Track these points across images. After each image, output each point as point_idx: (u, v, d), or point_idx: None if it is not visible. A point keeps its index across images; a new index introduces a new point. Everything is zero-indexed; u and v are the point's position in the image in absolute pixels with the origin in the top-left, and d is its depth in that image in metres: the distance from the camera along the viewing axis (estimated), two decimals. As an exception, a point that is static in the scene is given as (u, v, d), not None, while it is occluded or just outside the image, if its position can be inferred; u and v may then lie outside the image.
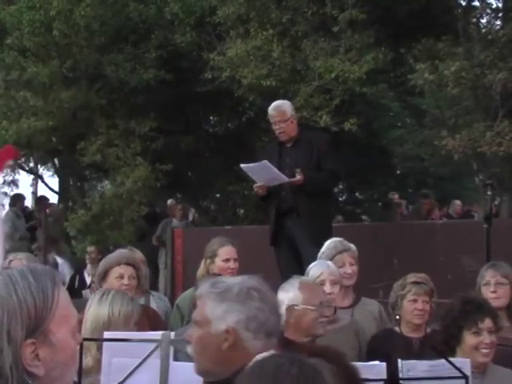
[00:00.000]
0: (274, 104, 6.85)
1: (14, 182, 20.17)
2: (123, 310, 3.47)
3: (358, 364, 3.71)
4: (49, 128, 12.05)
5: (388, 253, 8.13)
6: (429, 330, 4.51)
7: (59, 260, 11.05)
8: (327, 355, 2.32)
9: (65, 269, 10.76)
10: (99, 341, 3.29)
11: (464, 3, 11.45)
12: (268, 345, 2.49)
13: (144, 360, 3.02)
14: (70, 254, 12.42)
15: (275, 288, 4.24)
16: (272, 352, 2.38)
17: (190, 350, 2.64)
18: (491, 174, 10.17)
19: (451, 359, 3.31)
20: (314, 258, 5.11)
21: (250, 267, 5.65)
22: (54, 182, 16.58)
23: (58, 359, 1.82)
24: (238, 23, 11.07)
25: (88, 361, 3.34)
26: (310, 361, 1.56)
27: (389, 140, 15.22)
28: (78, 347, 1.97)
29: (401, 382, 3.43)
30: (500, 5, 11.48)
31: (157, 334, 3.19)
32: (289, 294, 4.05)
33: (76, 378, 3.10)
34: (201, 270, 5.52)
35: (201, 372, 2.57)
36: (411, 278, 4.50)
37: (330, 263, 4.83)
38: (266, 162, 6.43)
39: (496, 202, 11.31)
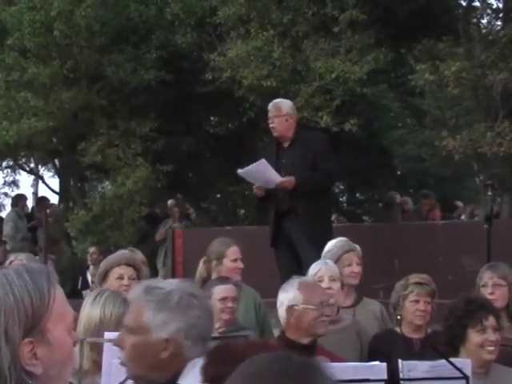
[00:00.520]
0: (273, 100, 6.92)
1: (15, 183, 20.20)
2: (115, 312, 3.46)
3: (359, 364, 3.72)
4: (49, 128, 12.05)
5: (389, 253, 8.15)
6: (429, 330, 4.52)
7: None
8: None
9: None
10: (100, 342, 3.30)
11: (464, 3, 11.46)
12: (204, 349, 2.51)
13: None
14: (71, 255, 12.43)
15: (276, 288, 4.26)
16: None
17: (120, 355, 2.57)
18: (492, 174, 10.16)
19: (452, 360, 3.31)
20: (313, 260, 5.11)
21: (250, 268, 5.67)
22: (55, 183, 16.62)
23: (55, 357, 1.82)
24: (239, 24, 11.07)
25: (85, 363, 3.33)
26: (299, 358, 1.55)
27: (389, 140, 15.21)
28: (76, 346, 1.97)
29: (401, 382, 3.43)
30: (500, 5, 11.48)
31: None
32: (288, 295, 4.07)
33: (75, 382, 3.11)
34: (200, 271, 5.53)
35: (134, 377, 2.53)
36: (414, 278, 4.50)
37: (328, 261, 4.85)
38: (263, 160, 6.43)
39: (496, 203, 11.32)
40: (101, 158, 12.00)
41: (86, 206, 12.48)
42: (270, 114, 6.74)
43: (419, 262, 7.10)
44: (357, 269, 5.08)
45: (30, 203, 15.92)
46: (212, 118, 15.47)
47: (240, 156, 11.94)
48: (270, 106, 6.83)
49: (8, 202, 18.71)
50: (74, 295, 9.22)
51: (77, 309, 3.76)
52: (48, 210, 13.13)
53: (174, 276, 9.81)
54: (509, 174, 10.56)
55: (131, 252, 5.32)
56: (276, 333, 4.68)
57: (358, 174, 14.81)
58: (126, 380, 2.61)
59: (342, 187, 17.96)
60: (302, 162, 6.58)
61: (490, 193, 6.87)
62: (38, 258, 8.63)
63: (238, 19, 11.04)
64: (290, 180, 6.41)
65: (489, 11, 11.27)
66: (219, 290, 4.69)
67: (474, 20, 11.17)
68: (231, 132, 14.60)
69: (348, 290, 4.97)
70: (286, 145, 6.73)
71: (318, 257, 5.28)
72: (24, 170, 17.51)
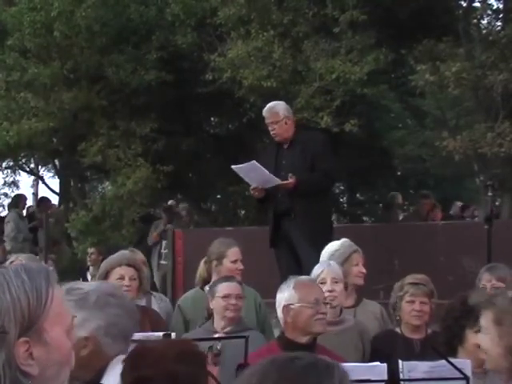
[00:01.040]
0: (267, 105, 6.87)
1: (15, 183, 20.17)
2: None
3: (359, 365, 3.72)
4: (49, 129, 12.05)
5: (389, 254, 8.15)
6: (429, 331, 4.52)
7: None
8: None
9: None
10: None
11: (465, 4, 11.45)
12: (126, 347, 2.57)
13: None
14: (71, 255, 12.43)
15: (276, 289, 4.26)
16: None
17: None
18: (492, 175, 10.16)
19: (452, 360, 3.31)
20: (313, 261, 5.11)
21: (250, 268, 5.67)
22: (55, 183, 16.62)
23: (52, 358, 1.81)
24: (239, 24, 11.07)
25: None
26: (299, 363, 1.54)
27: (390, 141, 15.23)
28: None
29: (401, 382, 3.43)
30: (501, 6, 11.47)
31: (158, 335, 3.19)
32: (284, 295, 4.10)
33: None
34: (201, 272, 5.53)
35: None
36: (409, 279, 4.52)
37: (331, 262, 4.84)
38: (254, 162, 6.43)
39: (497, 203, 11.32)
40: (101, 158, 12.00)
41: (87, 206, 12.48)
42: (268, 121, 6.72)
43: (419, 263, 7.10)
44: (363, 269, 5.11)
45: (30, 204, 15.95)
46: (212, 119, 15.47)
47: (240, 156, 11.92)
48: (266, 112, 6.78)
49: (8, 203, 18.69)
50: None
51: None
52: (49, 211, 13.15)
53: (174, 276, 9.81)
54: (509, 175, 10.55)
55: (132, 252, 5.33)
56: (277, 333, 4.68)
57: (358, 175, 14.81)
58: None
59: (342, 188, 17.96)
60: (302, 163, 6.58)
61: (490, 193, 6.87)
62: (38, 258, 8.62)
63: (239, 20, 11.04)
64: (292, 182, 6.41)
65: (489, 12, 11.26)
66: (222, 288, 4.69)
67: (475, 21, 11.16)
68: (231, 132, 14.60)
69: (350, 290, 4.97)
70: (285, 146, 6.73)
71: (317, 257, 5.28)
72: (24, 170, 17.51)
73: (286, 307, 4.06)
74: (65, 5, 11.38)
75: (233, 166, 6.63)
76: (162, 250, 11.36)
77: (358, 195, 18.29)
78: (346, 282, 4.77)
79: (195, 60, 12.10)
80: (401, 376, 3.40)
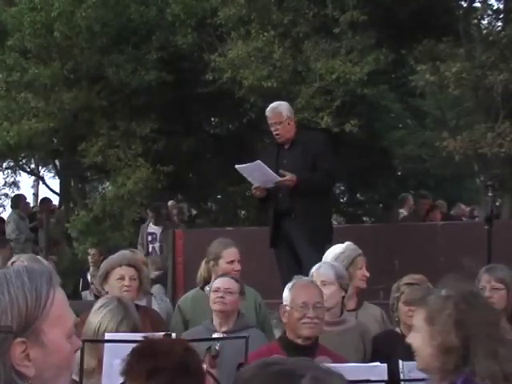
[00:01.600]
0: (270, 106, 6.85)
1: (15, 184, 20.14)
2: (110, 327, 3.51)
3: (360, 365, 3.73)
4: (50, 129, 12.05)
5: (389, 254, 8.13)
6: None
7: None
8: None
9: None
10: (100, 342, 3.30)
11: (465, 4, 11.46)
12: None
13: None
14: (72, 256, 12.42)
15: (276, 289, 4.27)
16: None
17: None
18: (492, 175, 10.16)
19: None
20: (313, 261, 5.11)
21: (250, 268, 5.67)
22: (55, 184, 16.59)
23: (50, 361, 1.78)
24: (239, 24, 11.07)
25: (91, 362, 3.35)
26: (271, 369, 1.55)
27: (390, 141, 15.22)
28: (77, 350, 1.93)
29: (402, 383, 3.43)
30: (501, 6, 11.48)
31: (158, 336, 3.19)
32: (284, 295, 4.12)
33: (77, 378, 3.11)
34: (201, 272, 5.53)
35: None
36: (406, 279, 4.52)
37: (323, 264, 4.83)
38: (259, 161, 6.43)
39: (497, 204, 11.32)
40: (101, 158, 12.00)
41: (87, 206, 12.48)
42: (271, 121, 6.70)
43: (419, 263, 7.09)
44: (367, 273, 5.13)
45: (31, 204, 15.94)
46: (212, 119, 15.48)
47: (240, 156, 11.92)
48: (269, 112, 6.75)
49: (8, 203, 18.68)
50: (76, 297, 9.24)
51: (77, 310, 3.77)
52: (52, 212, 13.16)
53: (174, 276, 9.77)
54: (509, 175, 10.56)
55: (132, 253, 5.32)
56: (277, 333, 4.69)
57: (358, 175, 14.82)
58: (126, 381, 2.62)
59: (342, 188, 17.95)
60: (303, 163, 6.58)
61: (490, 193, 6.87)
62: (40, 259, 8.60)
63: (239, 20, 11.05)
64: (291, 178, 6.41)
65: (489, 12, 11.27)
66: (214, 283, 4.72)
67: (475, 21, 11.17)
68: (232, 133, 14.61)
69: (351, 293, 4.96)
70: (286, 146, 6.73)
71: (317, 257, 5.28)
72: (24, 170, 17.49)
73: (282, 307, 4.09)
74: (65, 5, 11.38)
75: (237, 166, 6.63)
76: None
77: (358, 195, 18.28)
78: (347, 284, 4.75)
79: (195, 60, 12.10)
80: (401, 376, 3.40)
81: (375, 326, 4.92)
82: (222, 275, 4.89)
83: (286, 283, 4.32)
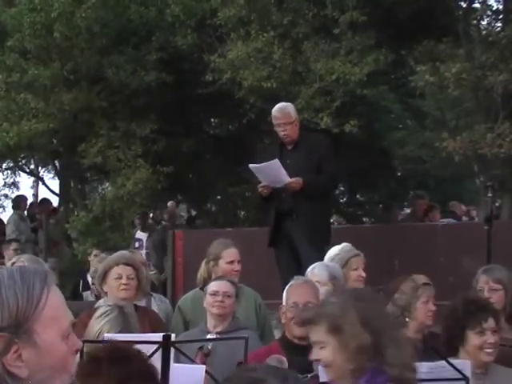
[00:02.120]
0: (278, 106, 6.84)
1: (15, 184, 20.15)
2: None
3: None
4: (49, 130, 12.04)
5: (389, 254, 8.14)
6: (426, 331, 4.50)
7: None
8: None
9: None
10: (100, 343, 3.30)
11: (465, 5, 11.45)
12: None
13: (145, 362, 3.01)
14: (71, 256, 12.42)
15: (276, 289, 4.27)
16: None
17: None
18: (492, 175, 10.16)
19: (452, 361, 3.31)
20: (313, 261, 5.12)
21: (250, 269, 5.67)
22: (55, 184, 16.58)
23: (43, 362, 1.76)
24: (239, 25, 11.07)
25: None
26: (250, 375, 1.56)
27: (389, 142, 15.21)
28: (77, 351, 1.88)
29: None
30: (501, 7, 11.48)
31: (158, 336, 3.19)
32: (283, 293, 4.14)
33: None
34: (202, 272, 5.53)
35: None
36: (420, 279, 4.48)
37: (317, 265, 4.87)
38: (277, 160, 6.44)
39: (497, 204, 11.32)
40: (101, 159, 12.00)
41: (87, 207, 12.47)
42: (280, 121, 6.67)
43: (419, 263, 7.10)
44: (363, 273, 5.16)
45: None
46: (212, 120, 15.47)
47: (240, 157, 11.93)
48: (278, 112, 6.72)
49: (8, 204, 18.68)
50: (76, 297, 9.22)
51: (77, 310, 3.79)
52: (54, 213, 13.17)
53: (174, 277, 9.78)
54: (509, 176, 10.56)
55: (131, 253, 5.33)
56: (277, 333, 4.69)
57: (358, 176, 14.81)
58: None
59: (342, 188, 17.94)
60: (307, 164, 6.60)
61: (490, 194, 6.88)
62: (39, 259, 8.60)
63: (239, 21, 11.04)
64: (297, 181, 6.42)
65: (489, 13, 11.26)
66: (211, 285, 4.72)
67: (474, 21, 11.16)
68: (231, 133, 14.60)
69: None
70: (289, 147, 6.74)
71: (317, 257, 5.30)
72: (24, 171, 17.47)
73: (281, 307, 4.12)
74: (65, 6, 11.38)
75: (250, 166, 6.62)
76: None
77: (357, 196, 18.28)
78: (342, 285, 4.77)
79: (195, 61, 12.10)
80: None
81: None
82: (218, 278, 4.88)
83: (286, 284, 4.33)
